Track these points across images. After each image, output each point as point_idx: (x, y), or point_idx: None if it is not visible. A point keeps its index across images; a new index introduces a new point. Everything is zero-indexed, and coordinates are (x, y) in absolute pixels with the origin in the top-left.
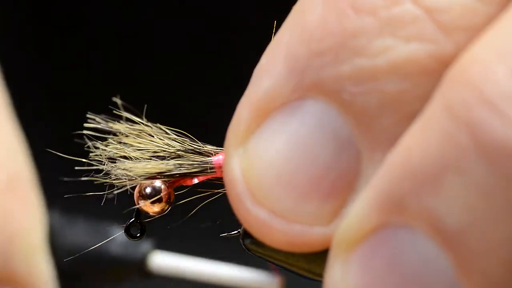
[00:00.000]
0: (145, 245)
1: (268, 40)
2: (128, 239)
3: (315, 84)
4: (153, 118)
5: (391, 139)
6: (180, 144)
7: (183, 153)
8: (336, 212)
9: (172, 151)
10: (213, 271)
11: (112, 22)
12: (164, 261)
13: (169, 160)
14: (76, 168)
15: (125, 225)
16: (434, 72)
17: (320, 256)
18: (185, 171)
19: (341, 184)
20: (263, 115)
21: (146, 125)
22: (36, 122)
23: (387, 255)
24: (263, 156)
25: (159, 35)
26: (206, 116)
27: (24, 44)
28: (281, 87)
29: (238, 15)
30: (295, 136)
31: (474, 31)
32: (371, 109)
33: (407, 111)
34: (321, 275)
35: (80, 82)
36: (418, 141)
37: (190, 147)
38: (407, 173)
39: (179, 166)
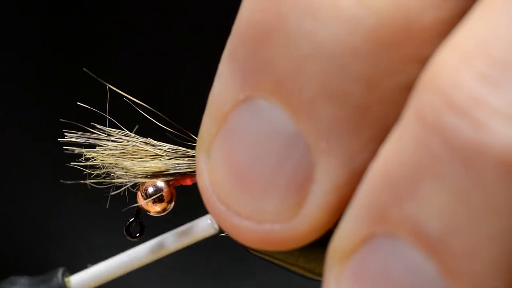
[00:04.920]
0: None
1: None
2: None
3: (255, 82)
4: (153, 118)
5: (332, 125)
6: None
7: (182, 153)
8: (299, 206)
9: (171, 152)
10: (137, 256)
11: (109, 22)
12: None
13: (167, 160)
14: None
15: (125, 224)
16: (358, 49)
17: (319, 256)
18: (184, 170)
19: (297, 178)
20: (221, 120)
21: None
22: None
23: (376, 265)
24: (222, 159)
25: (158, 35)
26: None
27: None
28: (228, 90)
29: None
30: (245, 137)
31: None
32: (306, 99)
33: (339, 95)
34: (320, 274)
35: (79, 83)
36: (393, 151)
37: (186, 152)
38: (385, 183)
39: (178, 165)
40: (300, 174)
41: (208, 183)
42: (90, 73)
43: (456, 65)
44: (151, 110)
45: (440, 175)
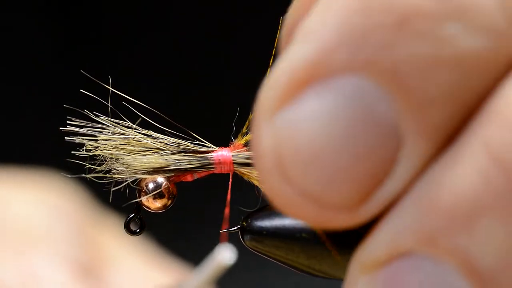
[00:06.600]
0: None
1: (269, 41)
2: None
3: (370, 61)
4: (154, 116)
5: (439, 130)
6: (177, 145)
7: (182, 149)
8: (367, 196)
9: (172, 147)
10: None
11: (113, 23)
12: None
13: (169, 155)
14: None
15: (125, 220)
16: (497, 70)
17: (320, 253)
18: (185, 166)
19: (376, 170)
20: (303, 84)
21: (139, 133)
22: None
23: (412, 281)
24: (299, 131)
25: (161, 35)
26: (206, 114)
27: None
28: (330, 56)
29: (240, 15)
30: (338, 115)
31: None
32: (426, 97)
33: (462, 106)
34: (320, 271)
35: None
36: (454, 177)
37: (187, 148)
38: (440, 208)
39: (178, 161)
40: (381, 167)
41: (271, 151)
42: (88, 75)
43: None
44: (153, 109)
45: (503, 215)
